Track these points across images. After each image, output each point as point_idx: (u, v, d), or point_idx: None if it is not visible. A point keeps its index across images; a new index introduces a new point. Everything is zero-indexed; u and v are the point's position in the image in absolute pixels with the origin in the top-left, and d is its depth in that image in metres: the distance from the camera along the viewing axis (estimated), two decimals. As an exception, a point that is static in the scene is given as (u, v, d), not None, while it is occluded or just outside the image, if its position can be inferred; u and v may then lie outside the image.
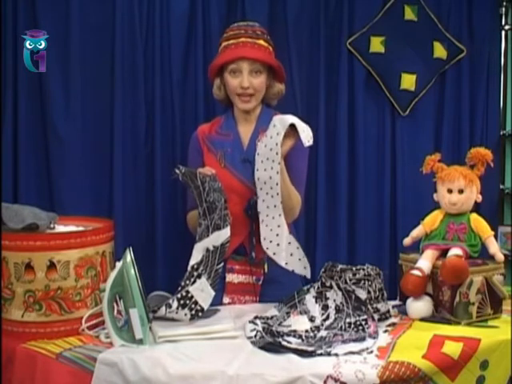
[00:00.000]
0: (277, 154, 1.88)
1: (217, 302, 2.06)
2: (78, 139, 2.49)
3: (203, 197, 1.90)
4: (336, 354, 1.59)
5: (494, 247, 1.94)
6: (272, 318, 1.85)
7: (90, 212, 2.29)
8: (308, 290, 1.93)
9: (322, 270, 1.94)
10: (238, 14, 2.63)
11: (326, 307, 1.86)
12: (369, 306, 1.84)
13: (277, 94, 2.24)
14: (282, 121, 1.88)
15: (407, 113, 2.87)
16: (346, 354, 1.60)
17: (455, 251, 1.91)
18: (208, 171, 1.95)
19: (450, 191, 1.97)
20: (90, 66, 2.51)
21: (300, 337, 1.72)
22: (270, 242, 1.96)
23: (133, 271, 1.67)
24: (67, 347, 1.65)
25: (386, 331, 1.79)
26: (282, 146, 1.88)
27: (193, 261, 1.88)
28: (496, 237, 2.23)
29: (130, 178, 2.58)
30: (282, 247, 1.95)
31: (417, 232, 2.03)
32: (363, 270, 1.87)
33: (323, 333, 1.76)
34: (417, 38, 2.82)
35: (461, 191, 1.96)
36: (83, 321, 1.74)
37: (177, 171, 1.92)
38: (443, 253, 1.94)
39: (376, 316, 1.84)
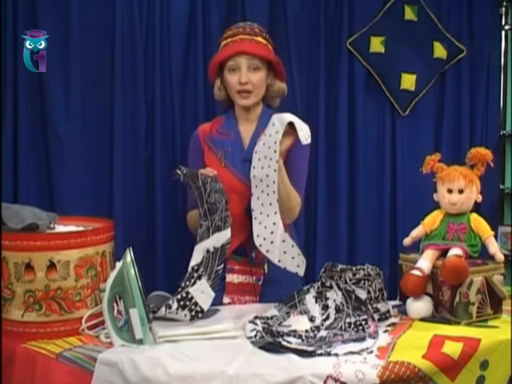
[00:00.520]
0: (275, 151, 1.88)
1: (217, 302, 2.06)
2: (78, 139, 2.49)
3: (204, 198, 1.90)
4: (336, 354, 1.59)
5: (494, 247, 1.94)
6: (272, 317, 1.85)
7: (90, 212, 2.29)
8: (308, 290, 1.93)
9: (322, 270, 1.94)
10: (238, 14, 2.63)
11: (325, 307, 1.86)
12: (369, 306, 1.84)
13: (277, 93, 2.23)
14: (281, 119, 1.88)
15: (407, 113, 2.87)
16: (346, 354, 1.60)
17: (455, 251, 1.91)
18: (209, 172, 1.95)
19: (449, 191, 1.97)
20: (90, 66, 2.51)
21: (300, 337, 1.72)
22: (264, 239, 1.96)
23: (133, 271, 1.67)
24: (67, 347, 1.65)
25: (385, 331, 1.79)
26: (280, 145, 1.88)
27: (193, 262, 1.88)
28: (496, 237, 2.23)
29: (130, 178, 2.58)
30: (276, 245, 1.94)
31: (417, 232, 2.03)
32: (363, 269, 1.87)
33: (323, 333, 1.76)
34: (417, 38, 2.82)
35: (461, 191, 1.96)
36: (83, 321, 1.74)
37: (178, 172, 1.92)
38: (443, 253, 1.94)
39: (376, 316, 1.84)
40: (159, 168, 2.60)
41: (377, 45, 2.80)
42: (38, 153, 2.49)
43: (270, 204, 1.95)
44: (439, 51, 2.85)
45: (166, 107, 2.62)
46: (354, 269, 1.88)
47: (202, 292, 1.83)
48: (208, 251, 1.88)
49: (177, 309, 1.81)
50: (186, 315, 1.81)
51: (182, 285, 1.85)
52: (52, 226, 1.85)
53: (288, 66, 2.65)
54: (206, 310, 1.84)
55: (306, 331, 1.76)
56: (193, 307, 1.82)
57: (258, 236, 1.97)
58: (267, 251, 1.95)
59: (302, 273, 1.96)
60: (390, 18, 2.81)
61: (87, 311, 1.76)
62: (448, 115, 2.92)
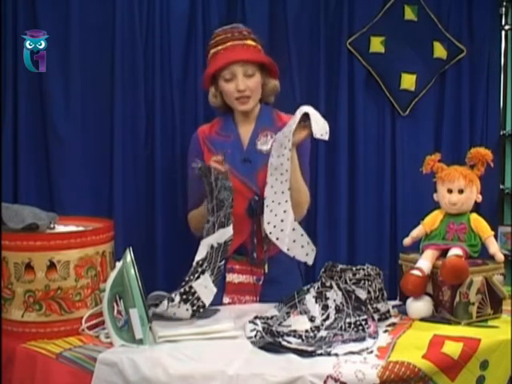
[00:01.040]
0: (289, 141, 1.91)
1: (217, 301, 2.06)
2: (78, 139, 2.49)
3: (214, 194, 1.91)
4: (336, 354, 1.59)
5: (494, 247, 1.94)
6: (272, 317, 1.85)
7: (90, 212, 2.29)
8: (308, 289, 1.93)
9: (322, 270, 1.94)
10: (238, 14, 2.63)
11: (325, 307, 1.86)
12: (369, 306, 1.84)
13: (272, 91, 2.23)
14: (300, 110, 1.91)
15: (407, 113, 2.87)
16: (346, 354, 1.60)
17: (455, 251, 1.91)
18: (222, 167, 1.96)
19: (450, 191, 1.97)
20: (90, 66, 2.50)
21: (300, 337, 1.72)
22: (274, 226, 1.96)
23: (133, 271, 1.67)
24: (67, 347, 1.65)
25: (386, 331, 1.79)
26: (294, 135, 1.90)
27: (198, 256, 1.89)
28: (496, 237, 2.23)
29: (129, 178, 2.58)
30: (286, 233, 1.95)
31: (417, 232, 2.03)
32: (363, 269, 1.87)
33: (323, 333, 1.76)
34: (417, 38, 2.82)
35: (461, 191, 1.96)
36: (83, 321, 1.74)
37: (194, 165, 1.93)
38: (443, 253, 1.94)
39: (376, 316, 1.84)
40: (159, 168, 2.60)
41: (377, 45, 2.80)
42: (38, 153, 2.49)
43: (282, 192, 1.96)
44: (439, 51, 2.86)
45: (166, 107, 2.62)
46: (354, 269, 1.88)
47: (205, 287, 1.84)
48: (212, 247, 1.89)
49: (179, 302, 1.81)
50: (187, 309, 1.81)
51: (186, 279, 1.85)
52: (52, 226, 1.85)
53: (288, 66, 2.65)
54: (207, 305, 1.84)
55: (306, 331, 1.76)
56: (195, 302, 1.82)
57: (268, 223, 1.97)
58: (277, 239, 1.96)
59: (310, 262, 1.97)
60: (390, 17, 2.81)
61: (87, 311, 1.76)
62: (448, 115, 2.93)
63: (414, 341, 1.70)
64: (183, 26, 2.63)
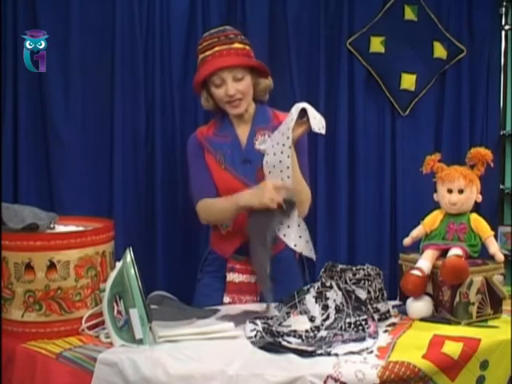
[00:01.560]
0: (288, 138, 1.92)
1: (217, 301, 2.06)
2: (78, 139, 2.50)
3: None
4: (336, 354, 1.59)
5: (494, 247, 1.93)
6: (272, 318, 1.85)
7: (89, 212, 2.28)
8: (308, 290, 1.93)
9: (322, 269, 1.94)
10: (238, 14, 2.63)
11: (326, 307, 1.86)
12: (369, 306, 1.84)
13: (264, 90, 2.21)
14: (297, 106, 1.93)
15: (407, 113, 2.88)
16: (346, 354, 1.60)
17: (455, 251, 1.91)
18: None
19: (450, 191, 1.97)
20: (90, 66, 2.51)
21: (300, 337, 1.72)
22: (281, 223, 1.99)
23: (133, 271, 1.67)
24: (67, 347, 1.65)
25: (386, 331, 1.79)
26: (293, 131, 1.91)
27: None
28: (496, 237, 2.23)
29: (129, 178, 2.58)
30: (292, 229, 1.99)
31: (417, 232, 2.03)
32: (363, 269, 1.87)
33: (323, 333, 1.75)
34: (417, 38, 2.82)
35: (461, 191, 1.96)
36: (83, 321, 1.74)
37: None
38: (443, 253, 1.94)
39: (376, 316, 1.84)
40: (159, 168, 2.60)
41: (377, 45, 2.81)
42: (38, 153, 2.49)
43: None
44: (439, 51, 2.86)
45: (166, 107, 2.62)
46: (354, 269, 1.88)
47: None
48: None
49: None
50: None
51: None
52: (52, 225, 1.84)
53: (288, 66, 2.65)
54: None
55: (306, 331, 1.76)
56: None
57: None
58: (284, 235, 1.99)
59: (314, 257, 2.05)
60: (389, 18, 2.81)
61: (87, 311, 1.75)
62: (448, 115, 2.93)
63: (414, 341, 1.70)
64: (183, 25, 2.63)
